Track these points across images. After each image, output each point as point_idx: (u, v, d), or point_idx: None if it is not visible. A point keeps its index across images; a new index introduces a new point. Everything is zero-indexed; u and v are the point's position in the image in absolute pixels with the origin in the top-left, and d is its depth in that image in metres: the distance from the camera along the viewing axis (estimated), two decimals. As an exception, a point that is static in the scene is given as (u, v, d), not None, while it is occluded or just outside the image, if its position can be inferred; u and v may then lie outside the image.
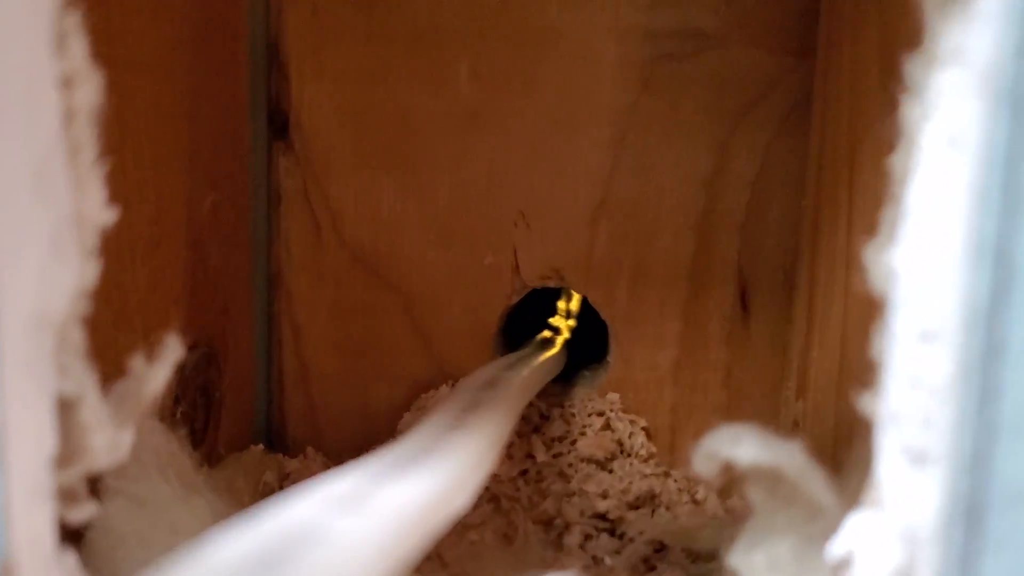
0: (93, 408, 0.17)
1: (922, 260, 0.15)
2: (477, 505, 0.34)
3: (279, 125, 0.36)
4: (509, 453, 0.35)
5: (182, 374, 0.31)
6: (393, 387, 0.37)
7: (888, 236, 0.16)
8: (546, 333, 0.41)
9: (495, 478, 0.34)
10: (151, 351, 0.19)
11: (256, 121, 0.36)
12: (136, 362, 0.19)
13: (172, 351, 0.20)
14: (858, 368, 0.27)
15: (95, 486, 0.19)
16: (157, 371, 0.19)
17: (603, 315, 0.37)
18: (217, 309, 0.33)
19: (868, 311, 0.25)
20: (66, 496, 0.18)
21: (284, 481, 0.35)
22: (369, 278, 0.37)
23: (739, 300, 0.36)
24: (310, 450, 0.37)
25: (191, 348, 0.31)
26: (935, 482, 0.15)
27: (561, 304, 0.43)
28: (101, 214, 0.17)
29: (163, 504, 0.24)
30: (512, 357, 0.35)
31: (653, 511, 0.34)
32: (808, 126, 0.35)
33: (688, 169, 0.35)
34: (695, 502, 0.34)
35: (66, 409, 0.17)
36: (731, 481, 0.35)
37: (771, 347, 0.36)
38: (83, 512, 0.18)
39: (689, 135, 0.35)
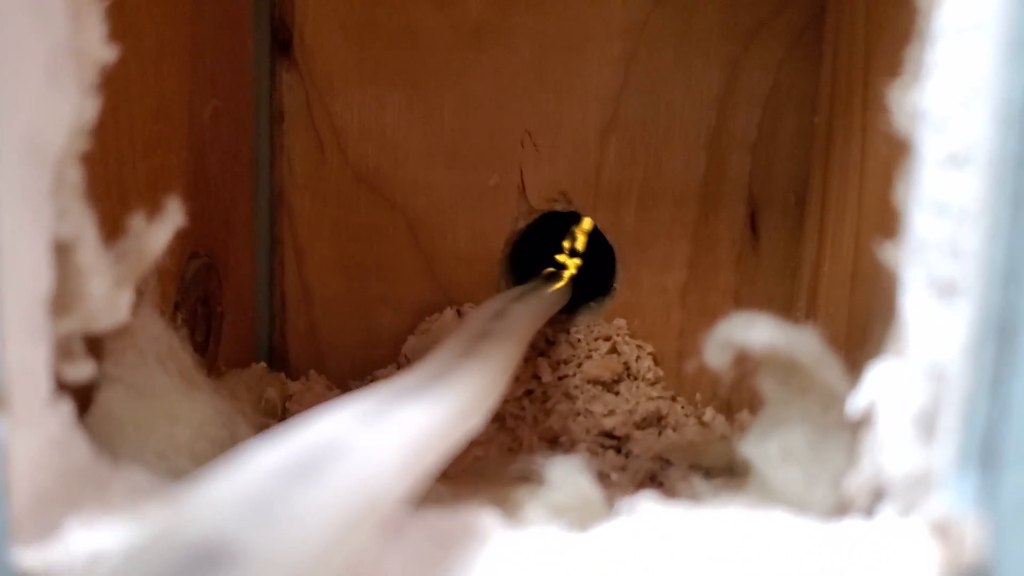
0: (91, 253, 0.17)
1: (952, 83, 0.14)
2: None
3: (282, 40, 0.35)
4: (515, 375, 0.34)
5: (182, 281, 0.30)
6: (396, 311, 0.37)
7: (913, 74, 0.16)
8: (551, 269, 0.40)
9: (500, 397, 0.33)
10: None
11: (259, 36, 0.35)
12: (136, 221, 0.19)
13: (173, 215, 0.19)
14: (872, 268, 0.26)
15: (94, 349, 0.19)
16: (157, 230, 0.19)
17: (610, 238, 0.36)
18: (218, 221, 0.33)
19: (884, 213, 0.25)
20: (64, 350, 0.17)
21: (287, 402, 0.34)
22: (373, 198, 0.36)
23: (749, 222, 0.36)
24: (312, 373, 0.36)
25: (191, 257, 0.31)
26: (962, 312, 0.14)
27: (566, 243, 0.43)
28: (100, 50, 0.16)
29: (162, 394, 0.24)
30: (519, 289, 0.34)
31: (660, 432, 0.33)
32: (820, 43, 0.34)
33: (699, 87, 0.35)
34: (702, 423, 0.34)
35: (63, 252, 0.16)
36: (737, 396, 0.34)
37: (781, 270, 0.36)
38: (81, 370, 0.18)
39: (701, 52, 0.35)
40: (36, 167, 0.15)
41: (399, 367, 0.36)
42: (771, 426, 0.22)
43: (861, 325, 0.26)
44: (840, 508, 0.19)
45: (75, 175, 0.16)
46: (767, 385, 0.22)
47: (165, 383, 0.24)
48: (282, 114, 0.36)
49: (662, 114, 0.35)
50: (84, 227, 0.17)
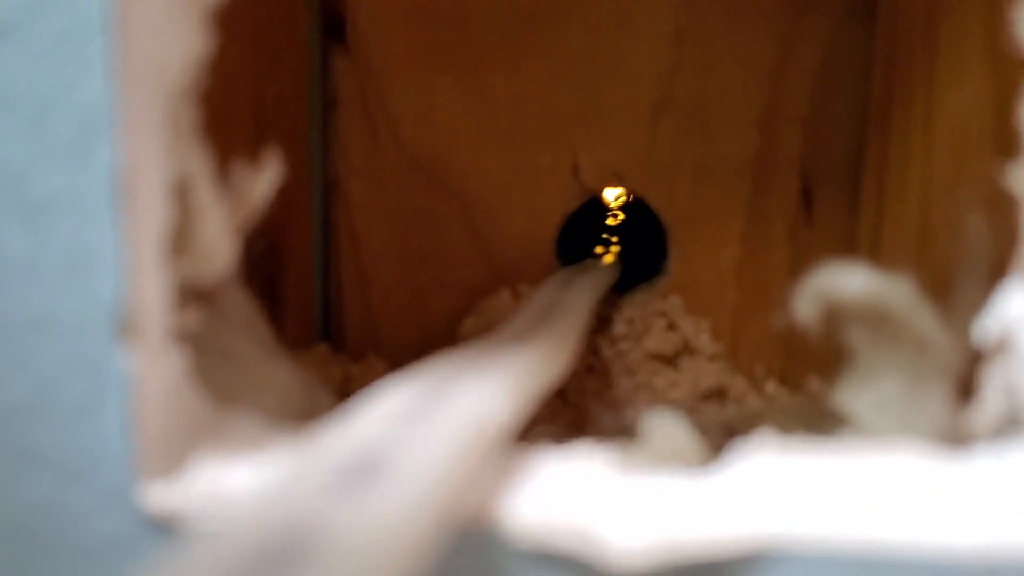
0: (205, 194, 0.17)
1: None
2: (545, 400, 0.33)
3: (335, 27, 0.36)
4: (584, 341, 0.34)
5: (249, 259, 0.30)
6: (452, 294, 0.37)
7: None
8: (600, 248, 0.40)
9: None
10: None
11: (311, 22, 0.35)
12: (238, 169, 0.19)
13: (273, 166, 0.19)
14: (949, 221, 0.26)
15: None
16: (259, 178, 0.19)
17: (663, 217, 0.36)
18: (279, 205, 0.33)
19: (962, 165, 0.25)
20: (179, 294, 0.18)
21: (348, 384, 0.34)
22: (427, 183, 0.36)
23: (803, 197, 0.36)
24: (371, 356, 0.36)
25: (258, 236, 0.31)
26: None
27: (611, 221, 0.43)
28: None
29: (246, 360, 0.24)
30: (575, 267, 0.35)
31: (723, 405, 0.33)
32: (873, 13, 0.34)
33: (750, 62, 0.35)
34: (764, 396, 0.34)
35: (179, 190, 0.17)
36: (793, 368, 0.34)
37: (836, 243, 0.36)
38: (190, 320, 0.18)
39: (752, 27, 0.35)
40: (158, 99, 0.15)
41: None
42: (864, 377, 0.22)
43: (939, 279, 0.26)
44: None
45: (191, 116, 0.16)
46: (857, 336, 0.22)
47: (248, 350, 0.24)
48: (336, 100, 0.36)
49: (714, 91, 0.35)
50: (200, 167, 0.17)
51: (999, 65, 0.22)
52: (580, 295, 0.31)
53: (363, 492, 0.12)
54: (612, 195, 0.41)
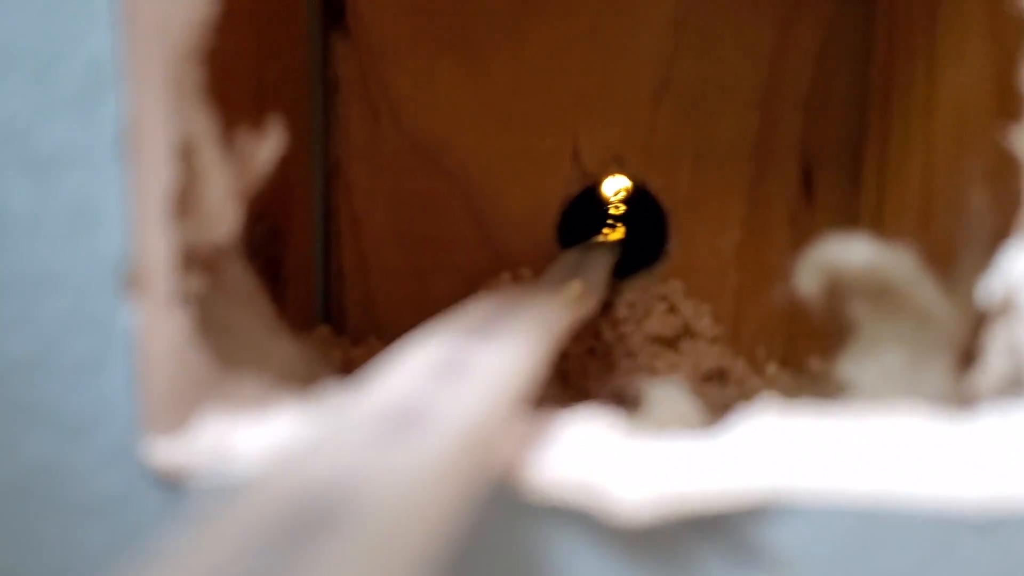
0: (210, 156, 0.17)
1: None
2: (546, 382, 0.33)
3: (335, 10, 0.36)
4: (576, 333, 0.34)
5: (250, 241, 0.30)
6: (452, 277, 0.37)
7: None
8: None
9: (562, 356, 0.34)
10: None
11: (312, 6, 0.35)
12: (242, 135, 0.19)
13: (276, 134, 0.19)
14: (951, 196, 0.26)
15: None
16: (264, 145, 0.19)
17: (663, 201, 0.36)
18: (281, 187, 0.33)
19: (962, 142, 0.25)
20: (183, 256, 0.18)
21: (348, 366, 0.34)
22: (428, 166, 0.37)
23: (803, 180, 0.36)
24: (372, 339, 0.36)
25: (259, 219, 0.31)
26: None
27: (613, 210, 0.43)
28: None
29: (247, 333, 0.24)
30: (580, 247, 0.35)
31: (724, 387, 0.33)
32: (873, -3, 0.34)
33: (750, 45, 0.35)
34: (765, 378, 0.34)
35: (185, 150, 0.17)
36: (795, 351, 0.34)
37: (837, 227, 0.35)
38: (194, 283, 0.18)
39: (752, 10, 0.35)
40: (163, 56, 0.15)
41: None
42: (867, 348, 0.22)
43: (941, 257, 0.26)
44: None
45: (195, 74, 0.16)
46: (859, 308, 0.22)
47: (250, 323, 0.25)
48: (337, 83, 0.36)
49: (714, 74, 0.35)
50: (204, 129, 0.17)
51: (999, 32, 0.22)
52: (599, 257, 0.31)
53: (403, 444, 0.12)
54: (611, 189, 0.41)
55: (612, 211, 0.43)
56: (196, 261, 0.18)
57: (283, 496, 0.10)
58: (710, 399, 0.32)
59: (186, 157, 0.17)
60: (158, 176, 0.15)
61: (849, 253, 0.22)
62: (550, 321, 0.22)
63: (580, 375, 0.34)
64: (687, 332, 0.35)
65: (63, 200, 0.15)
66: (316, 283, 0.37)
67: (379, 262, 0.37)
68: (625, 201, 0.42)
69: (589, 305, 0.27)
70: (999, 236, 0.22)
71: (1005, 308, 0.17)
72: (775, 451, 0.16)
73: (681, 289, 0.36)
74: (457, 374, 0.15)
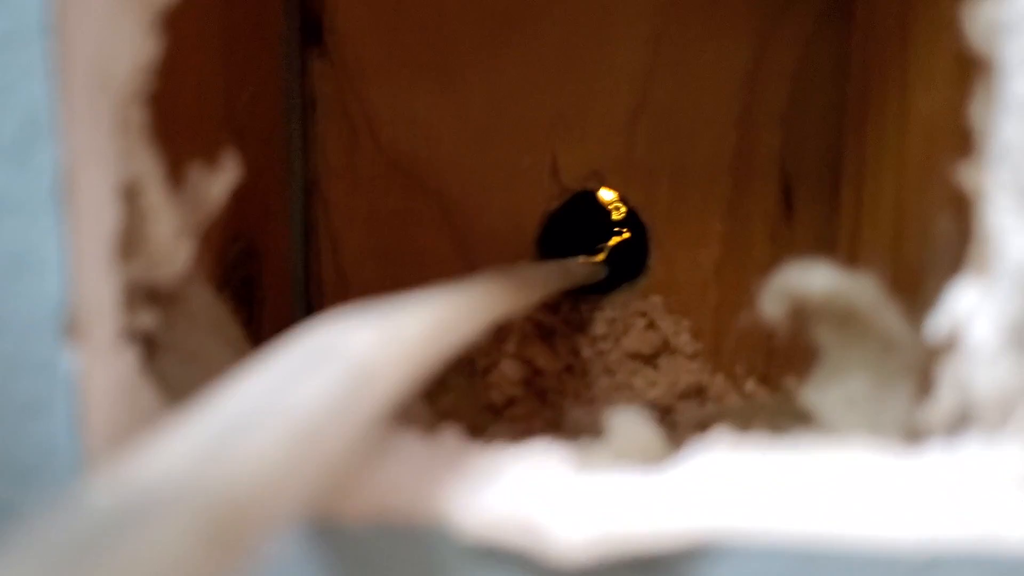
0: (155, 197, 0.17)
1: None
2: (523, 400, 0.33)
3: (312, 29, 0.36)
4: (554, 350, 0.34)
5: (224, 262, 0.30)
6: (432, 295, 0.37)
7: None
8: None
9: (539, 374, 0.34)
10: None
11: (289, 24, 0.35)
12: (194, 171, 0.19)
13: (230, 168, 0.19)
14: (920, 222, 0.26)
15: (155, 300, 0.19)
16: (216, 180, 0.19)
17: (643, 217, 0.36)
18: (257, 207, 0.33)
19: (930, 168, 0.25)
20: (129, 296, 0.18)
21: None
22: (406, 183, 0.37)
23: (782, 197, 0.36)
24: (351, 357, 0.36)
25: (233, 240, 0.31)
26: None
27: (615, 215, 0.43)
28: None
29: (215, 361, 0.24)
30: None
31: (702, 404, 0.33)
32: (850, 14, 0.34)
33: (728, 64, 0.35)
34: (743, 395, 0.34)
35: (128, 192, 0.17)
36: (776, 367, 0.34)
37: (816, 242, 0.36)
38: (143, 320, 0.18)
39: (729, 28, 0.35)
40: (103, 101, 0.15)
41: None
42: (831, 375, 0.22)
43: (910, 280, 0.26)
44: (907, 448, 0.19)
45: (140, 116, 0.17)
46: (824, 334, 0.22)
47: (216, 351, 0.25)
48: (314, 102, 0.36)
49: (692, 92, 0.35)
50: (149, 170, 0.17)
51: (963, 66, 0.22)
52: (556, 267, 0.31)
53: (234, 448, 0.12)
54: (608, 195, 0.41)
55: (615, 216, 0.42)
56: (150, 297, 0.18)
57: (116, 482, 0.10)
58: (688, 416, 0.32)
59: (132, 197, 0.17)
60: (99, 219, 0.15)
61: (811, 280, 0.22)
62: (457, 312, 0.21)
63: (557, 393, 0.34)
64: (666, 348, 0.35)
65: (2, 247, 0.15)
66: (295, 301, 0.37)
67: (359, 280, 0.37)
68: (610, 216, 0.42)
69: (515, 306, 0.26)
70: (963, 264, 0.22)
71: (951, 344, 0.17)
72: (719, 490, 0.16)
73: (661, 305, 0.36)
74: (323, 361, 0.15)
